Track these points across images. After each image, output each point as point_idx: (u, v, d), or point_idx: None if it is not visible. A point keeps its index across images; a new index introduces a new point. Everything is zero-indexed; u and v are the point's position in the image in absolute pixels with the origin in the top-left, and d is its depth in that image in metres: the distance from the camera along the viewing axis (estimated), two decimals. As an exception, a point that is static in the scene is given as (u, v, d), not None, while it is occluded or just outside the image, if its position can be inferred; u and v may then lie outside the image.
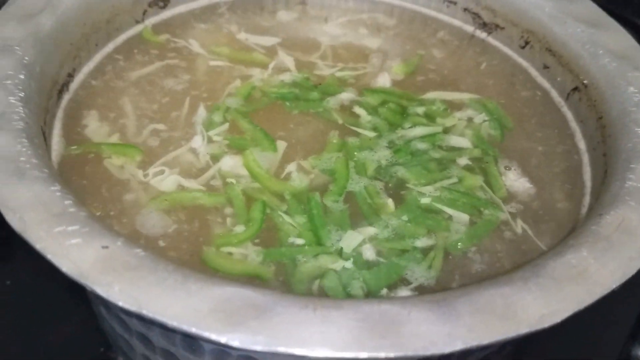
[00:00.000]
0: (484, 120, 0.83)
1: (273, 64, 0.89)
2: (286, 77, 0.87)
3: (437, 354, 0.46)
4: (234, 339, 0.45)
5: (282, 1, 1.01)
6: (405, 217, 0.69)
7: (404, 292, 0.63)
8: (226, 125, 0.78)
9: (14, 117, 0.61)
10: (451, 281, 0.65)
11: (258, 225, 0.67)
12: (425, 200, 0.71)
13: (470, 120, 0.84)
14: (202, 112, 0.80)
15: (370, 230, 0.68)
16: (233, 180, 0.71)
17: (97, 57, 0.86)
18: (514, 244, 0.70)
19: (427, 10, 1.01)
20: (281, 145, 0.76)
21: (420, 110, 0.84)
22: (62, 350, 0.92)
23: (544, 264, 0.54)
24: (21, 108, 0.63)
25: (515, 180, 0.76)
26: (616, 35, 0.82)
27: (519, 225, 0.71)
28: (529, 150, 0.81)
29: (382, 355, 0.46)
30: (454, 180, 0.74)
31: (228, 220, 0.68)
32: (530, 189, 0.76)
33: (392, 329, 0.47)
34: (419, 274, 0.65)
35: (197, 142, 0.76)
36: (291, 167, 0.74)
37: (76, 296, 0.97)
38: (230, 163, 0.73)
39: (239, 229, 0.66)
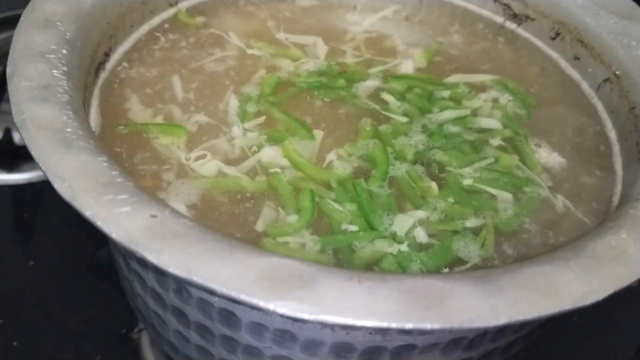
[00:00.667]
0: (509, 100, 0.85)
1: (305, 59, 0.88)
2: (310, 66, 0.87)
3: (482, 327, 0.47)
4: (282, 307, 0.46)
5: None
6: (451, 199, 0.70)
7: (461, 271, 0.65)
8: (262, 118, 0.77)
9: (58, 89, 0.62)
10: (505, 259, 0.66)
11: (310, 213, 0.66)
12: (467, 182, 0.72)
13: (495, 100, 0.85)
14: (234, 103, 0.79)
15: (420, 214, 0.68)
16: (278, 170, 0.71)
17: (132, 38, 0.86)
18: (558, 219, 0.71)
19: (457, 0, 1.01)
20: (318, 134, 0.76)
21: (446, 94, 0.84)
22: (84, 331, 0.93)
23: (583, 245, 0.55)
24: (65, 81, 0.64)
25: (548, 157, 0.78)
26: (650, 26, 0.82)
27: (560, 201, 0.73)
28: (557, 131, 0.83)
29: (428, 326, 0.46)
30: (491, 160, 0.75)
31: (277, 210, 0.68)
32: (562, 162, 0.78)
33: (437, 302, 0.48)
34: (473, 253, 0.66)
35: (235, 132, 0.76)
36: (331, 156, 0.73)
37: (98, 277, 0.99)
38: (271, 154, 0.73)
39: (292, 218, 0.66)
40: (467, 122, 0.80)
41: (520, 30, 0.97)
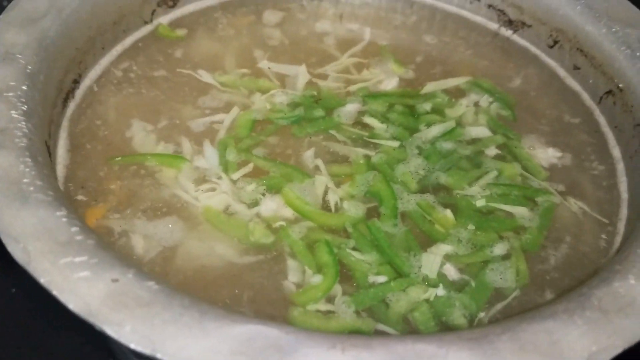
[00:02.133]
0: (490, 102, 0.82)
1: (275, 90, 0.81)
2: (284, 99, 0.79)
3: (478, 401, 0.43)
4: (257, 386, 0.42)
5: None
6: (471, 226, 0.66)
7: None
8: (250, 166, 0.70)
9: (16, 133, 0.57)
10: (543, 285, 0.63)
11: (334, 269, 0.61)
12: (480, 203, 0.69)
13: (476, 104, 0.82)
14: (211, 152, 0.71)
15: (446, 248, 0.64)
16: (282, 223, 0.65)
17: (104, 61, 0.81)
18: (577, 224, 0.69)
19: (449, 6, 0.96)
20: (320, 178, 0.70)
21: (427, 106, 0.80)
22: (68, 360, 0.89)
23: (589, 294, 0.50)
24: (24, 123, 0.59)
25: (545, 156, 0.76)
26: (654, 35, 0.77)
27: (573, 204, 0.71)
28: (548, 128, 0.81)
29: (419, 404, 0.42)
30: (494, 173, 0.72)
31: (291, 265, 0.62)
32: (561, 157, 0.76)
33: (429, 372, 0.43)
34: (511, 282, 0.63)
35: (224, 187, 0.68)
36: (331, 197, 0.67)
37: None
38: (272, 206, 0.66)
39: (316, 279, 0.61)
40: (457, 135, 0.76)
41: (516, 38, 0.91)
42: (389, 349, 0.45)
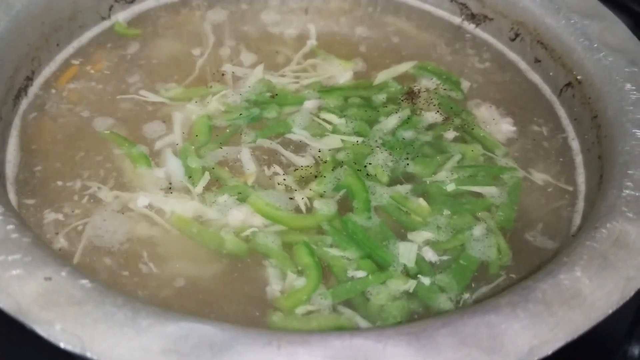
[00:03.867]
0: (438, 85, 0.83)
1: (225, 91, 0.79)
2: (236, 99, 0.77)
3: (414, 396, 0.42)
4: (187, 385, 0.41)
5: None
6: (447, 211, 0.66)
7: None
8: (207, 177, 0.68)
9: (-44, 129, 0.56)
10: (527, 261, 0.64)
11: (317, 270, 0.60)
12: (450, 187, 0.69)
13: (427, 90, 0.82)
14: (175, 162, 0.69)
15: (425, 234, 0.64)
16: (253, 229, 0.63)
17: (60, 58, 0.80)
18: (545, 196, 0.71)
19: (412, 1, 0.95)
20: (282, 177, 0.69)
21: (382, 97, 0.80)
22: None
23: (533, 287, 0.49)
24: (-34, 119, 0.58)
25: (499, 130, 0.78)
26: (612, 26, 0.76)
27: (538, 177, 0.72)
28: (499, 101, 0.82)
29: (354, 399, 0.41)
30: (458, 156, 0.73)
31: (271, 272, 0.61)
32: (515, 130, 0.78)
33: (366, 368, 0.43)
34: (493, 261, 0.63)
35: (193, 194, 0.66)
36: (298, 199, 0.66)
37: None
38: (239, 216, 0.65)
39: (299, 282, 0.59)
40: (415, 122, 0.76)
41: (478, 32, 0.91)
42: (326, 344, 0.44)
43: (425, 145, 0.74)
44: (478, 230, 0.65)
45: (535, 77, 0.84)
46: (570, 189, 0.71)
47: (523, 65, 0.86)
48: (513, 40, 0.87)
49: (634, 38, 0.74)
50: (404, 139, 0.74)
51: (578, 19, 0.78)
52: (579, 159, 0.74)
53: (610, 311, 0.48)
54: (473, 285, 0.61)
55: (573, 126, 0.77)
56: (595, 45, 0.75)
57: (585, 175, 0.72)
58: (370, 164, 0.71)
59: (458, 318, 0.46)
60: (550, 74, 0.81)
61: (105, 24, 0.86)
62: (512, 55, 0.87)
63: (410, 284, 0.60)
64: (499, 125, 0.78)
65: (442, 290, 0.60)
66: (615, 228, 0.55)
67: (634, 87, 0.69)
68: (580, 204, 0.69)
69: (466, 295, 0.60)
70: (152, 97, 0.76)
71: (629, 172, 0.60)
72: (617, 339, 0.87)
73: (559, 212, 0.69)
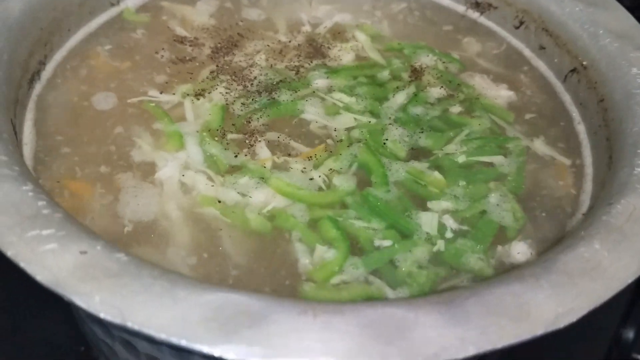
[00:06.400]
0: (436, 60, 0.86)
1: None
2: (240, 87, 0.78)
3: (448, 361, 0.43)
4: (228, 351, 0.42)
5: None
6: (462, 182, 0.69)
7: (519, 245, 0.64)
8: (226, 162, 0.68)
9: (-21, 110, 0.57)
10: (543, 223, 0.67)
11: (345, 241, 0.61)
12: (461, 159, 0.72)
13: (428, 66, 0.85)
14: (194, 148, 0.69)
15: (443, 204, 0.67)
16: (276, 205, 0.65)
17: (70, 43, 0.80)
18: (548, 165, 0.74)
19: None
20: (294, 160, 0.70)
21: (386, 73, 0.83)
22: (41, 349, 0.88)
23: (555, 259, 0.51)
24: (-13, 100, 0.58)
25: (499, 96, 0.82)
26: (616, 14, 0.78)
27: (543, 148, 0.75)
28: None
29: (390, 364, 0.42)
30: (467, 130, 0.75)
31: (299, 247, 0.62)
32: (513, 95, 0.82)
33: (399, 335, 0.44)
34: (511, 224, 0.66)
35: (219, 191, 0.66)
36: (316, 175, 0.67)
37: (47, 298, 0.93)
38: (261, 198, 0.65)
39: (329, 254, 0.61)
40: (423, 98, 0.79)
41: (483, 20, 0.92)
42: (359, 313, 0.45)
43: (435, 119, 0.77)
44: (493, 198, 0.68)
45: (539, 64, 0.86)
46: (577, 162, 0.74)
47: (527, 52, 0.88)
48: (517, 28, 0.89)
49: (638, 25, 0.76)
50: (417, 115, 0.77)
51: (583, 7, 0.80)
52: (585, 142, 0.76)
53: (629, 281, 0.50)
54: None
55: (579, 110, 0.79)
56: (601, 31, 0.77)
57: (592, 157, 0.73)
58: (387, 139, 0.73)
59: (484, 288, 0.48)
60: (555, 60, 0.83)
61: (115, 10, 0.87)
62: (517, 43, 0.89)
63: (440, 244, 0.63)
64: (497, 92, 0.82)
65: (472, 251, 0.63)
66: (629, 204, 0.56)
67: (639, 71, 0.71)
68: (589, 184, 0.70)
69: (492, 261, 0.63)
70: (162, 97, 0.76)
71: (639, 151, 0.62)
72: (612, 322, 0.89)
73: (568, 189, 0.71)
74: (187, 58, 0.81)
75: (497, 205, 0.67)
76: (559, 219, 0.68)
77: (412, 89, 0.80)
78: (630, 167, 0.61)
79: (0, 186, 0.50)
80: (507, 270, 0.60)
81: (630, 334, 0.87)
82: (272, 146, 0.71)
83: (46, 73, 0.76)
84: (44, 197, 0.51)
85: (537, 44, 0.86)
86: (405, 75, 0.83)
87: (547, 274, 0.49)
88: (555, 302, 0.47)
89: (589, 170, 0.72)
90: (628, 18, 0.78)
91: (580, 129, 0.77)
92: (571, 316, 0.46)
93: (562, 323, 0.46)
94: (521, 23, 0.88)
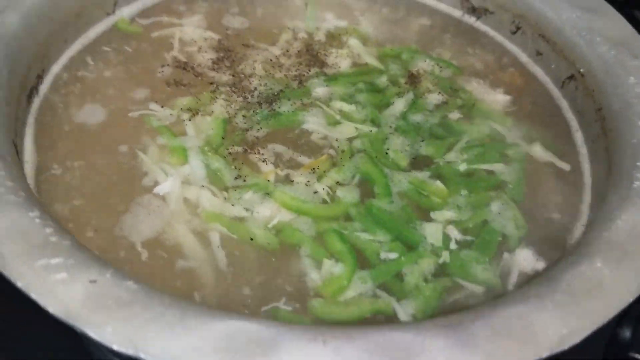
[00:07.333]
0: (433, 65, 0.86)
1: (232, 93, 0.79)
2: (240, 99, 0.78)
3: (457, 386, 0.44)
4: (242, 381, 0.42)
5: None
6: (464, 191, 0.69)
7: (524, 252, 0.65)
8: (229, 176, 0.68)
9: (-17, 133, 0.56)
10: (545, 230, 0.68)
11: (351, 254, 0.62)
12: (462, 167, 0.72)
13: (425, 72, 0.85)
14: (197, 163, 0.69)
15: (446, 214, 0.67)
16: (282, 219, 0.65)
17: (67, 55, 0.80)
18: (548, 172, 0.75)
19: (413, -6, 0.97)
20: (298, 174, 0.70)
21: (384, 79, 0.83)
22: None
23: (558, 278, 0.52)
24: (-10, 122, 0.58)
25: (498, 99, 0.83)
26: (613, 21, 0.79)
27: (541, 152, 0.76)
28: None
29: (400, 390, 0.43)
30: (467, 137, 0.76)
31: (307, 262, 0.62)
32: (508, 99, 0.83)
33: (408, 360, 0.44)
34: (513, 233, 0.67)
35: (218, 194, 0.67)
36: (319, 188, 0.68)
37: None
38: (266, 212, 0.65)
39: (337, 268, 0.61)
40: (422, 105, 0.80)
41: (479, 24, 0.93)
42: (369, 339, 0.46)
43: (435, 126, 0.77)
44: (495, 206, 0.69)
45: (536, 70, 0.86)
46: (576, 170, 0.75)
47: (524, 58, 0.88)
48: (514, 33, 0.89)
49: (635, 33, 0.77)
50: (417, 122, 0.77)
51: (581, 14, 0.80)
52: (583, 151, 0.76)
53: (630, 300, 0.51)
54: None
55: (577, 118, 0.79)
56: (598, 39, 0.77)
57: (591, 167, 0.74)
58: (388, 149, 0.73)
59: (490, 310, 0.49)
60: (552, 66, 0.84)
61: (110, 20, 0.86)
62: (513, 48, 0.89)
63: (445, 256, 0.63)
64: (494, 96, 0.83)
65: (477, 262, 0.64)
66: (630, 219, 0.57)
67: (637, 81, 0.71)
68: (588, 194, 0.71)
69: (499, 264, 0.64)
70: (163, 112, 0.75)
71: (638, 164, 0.63)
72: (609, 321, 0.90)
73: (567, 198, 0.72)
74: (185, 69, 0.81)
75: (499, 213, 0.68)
76: (560, 225, 0.69)
77: (410, 95, 0.80)
78: (630, 180, 0.61)
79: (8, 214, 0.50)
80: (514, 280, 0.63)
81: (627, 333, 0.88)
82: (275, 158, 0.72)
83: (44, 87, 0.75)
84: (51, 223, 0.51)
85: (534, 50, 0.86)
86: (403, 81, 0.83)
87: (551, 293, 0.50)
88: (559, 323, 0.48)
89: (587, 180, 0.73)
90: (625, 26, 0.78)
91: (578, 136, 0.78)
92: (575, 337, 0.47)
93: (566, 344, 0.47)
94: (518, 28, 0.88)
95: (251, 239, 0.63)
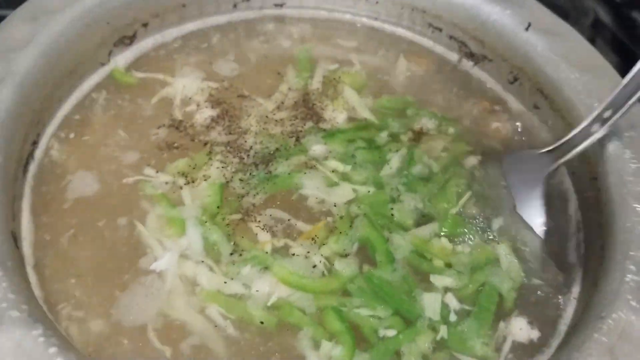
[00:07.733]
0: (437, 124, 0.86)
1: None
2: (235, 160, 0.77)
3: None
4: None
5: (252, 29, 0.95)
6: (466, 250, 0.71)
7: (518, 320, 0.67)
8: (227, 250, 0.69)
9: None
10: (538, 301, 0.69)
11: (350, 335, 0.62)
12: (452, 210, 0.75)
13: (429, 129, 0.85)
14: (195, 235, 0.69)
15: (445, 280, 0.68)
16: (278, 297, 0.65)
17: (62, 113, 0.79)
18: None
19: (410, 33, 0.95)
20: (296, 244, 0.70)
21: (384, 135, 0.82)
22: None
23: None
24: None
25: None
26: (612, 85, 0.77)
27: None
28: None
29: None
30: (469, 194, 0.77)
31: (305, 343, 0.63)
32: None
33: None
34: (508, 288, 0.69)
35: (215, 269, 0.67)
36: (317, 261, 0.68)
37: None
38: (265, 288, 0.66)
39: (336, 351, 0.62)
40: (419, 155, 0.80)
41: (476, 70, 0.92)
42: None
43: (437, 175, 0.78)
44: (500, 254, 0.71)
45: (534, 120, 0.87)
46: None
47: (521, 107, 0.88)
48: (512, 83, 0.88)
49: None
50: (419, 173, 0.78)
51: (579, 75, 0.78)
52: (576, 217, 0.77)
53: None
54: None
55: (572, 180, 0.79)
56: (596, 104, 0.76)
57: (585, 248, 0.74)
58: (392, 209, 0.74)
59: None
60: (550, 123, 0.83)
61: (105, 70, 0.85)
62: (510, 98, 0.89)
63: (443, 331, 0.64)
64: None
65: (476, 335, 0.65)
66: (621, 319, 0.58)
67: (633, 155, 0.71)
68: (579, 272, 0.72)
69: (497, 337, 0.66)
70: (159, 177, 0.75)
71: (631, 253, 0.63)
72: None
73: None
74: (178, 128, 0.80)
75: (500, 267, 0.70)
76: (553, 298, 0.70)
77: (403, 150, 0.80)
78: (622, 272, 0.62)
79: (11, 335, 0.51)
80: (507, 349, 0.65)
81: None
82: (273, 224, 0.72)
83: (39, 152, 0.74)
84: (55, 340, 0.51)
85: (532, 103, 0.86)
86: (405, 138, 0.82)
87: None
88: None
89: (576, 261, 0.74)
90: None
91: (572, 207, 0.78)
92: None
93: None
94: (515, 79, 0.88)
95: (249, 319, 0.64)
